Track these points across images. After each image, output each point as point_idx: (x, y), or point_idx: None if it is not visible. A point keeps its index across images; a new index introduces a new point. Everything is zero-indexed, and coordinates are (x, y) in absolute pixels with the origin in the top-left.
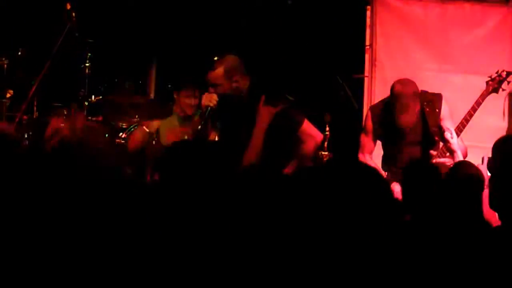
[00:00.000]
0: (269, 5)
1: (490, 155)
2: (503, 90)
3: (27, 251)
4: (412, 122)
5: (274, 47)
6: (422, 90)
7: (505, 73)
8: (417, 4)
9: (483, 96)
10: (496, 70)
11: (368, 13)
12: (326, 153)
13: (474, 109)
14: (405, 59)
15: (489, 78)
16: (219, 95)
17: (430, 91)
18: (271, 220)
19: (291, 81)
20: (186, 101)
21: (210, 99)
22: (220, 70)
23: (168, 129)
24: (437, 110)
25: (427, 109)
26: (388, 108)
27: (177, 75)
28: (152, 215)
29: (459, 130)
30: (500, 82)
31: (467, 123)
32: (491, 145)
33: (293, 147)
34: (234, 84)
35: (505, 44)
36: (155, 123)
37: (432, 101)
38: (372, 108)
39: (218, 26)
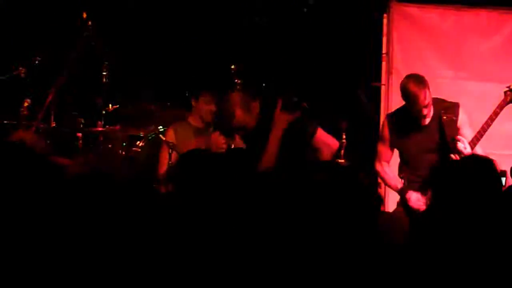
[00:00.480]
0: (287, 11)
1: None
2: None
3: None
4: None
5: (291, 54)
6: (439, 98)
7: None
8: (434, 11)
9: (501, 106)
10: None
11: (385, 21)
12: (343, 161)
13: (492, 119)
14: (421, 67)
15: (508, 88)
16: None
17: (447, 99)
18: (286, 225)
19: (307, 88)
20: (205, 107)
21: (218, 144)
22: (239, 112)
23: (182, 142)
24: (454, 118)
25: (445, 117)
26: (405, 115)
27: (194, 81)
28: (165, 225)
29: (476, 139)
30: None
31: (484, 132)
32: (508, 152)
33: (308, 155)
34: (254, 112)
35: None
36: (171, 133)
37: (449, 108)
38: (389, 116)
39: (234, 31)
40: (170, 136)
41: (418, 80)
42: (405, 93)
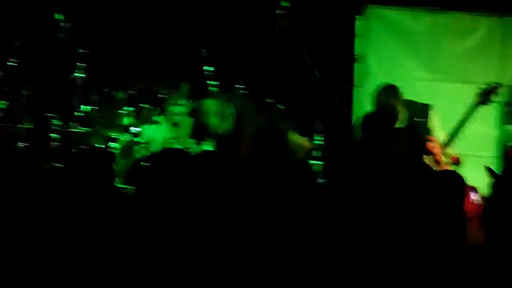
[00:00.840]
0: (260, 11)
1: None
2: (492, 101)
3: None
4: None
5: (263, 55)
6: (411, 100)
7: (493, 84)
8: (408, 13)
9: (471, 108)
10: (485, 82)
11: (358, 22)
12: (315, 162)
13: (464, 120)
14: (396, 69)
15: (479, 90)
16: None
17: (421, 100)
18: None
19: (280, 90)
20: (171, 108)
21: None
22: (214, 121)
23: (157, 139)
24: (425, 120)
25: (416, 119)
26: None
27: (166, 82)
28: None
29: (448, 140)
30: (488, 94)
31: (457, 133)
32: (484, 154)
33: (281, 155)
34: (229, 117)
35: (494, 54)
36: (146, 128)
37: (421, 110)
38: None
39: (206, 34)
40: (146, 131)
41: (390, 92)
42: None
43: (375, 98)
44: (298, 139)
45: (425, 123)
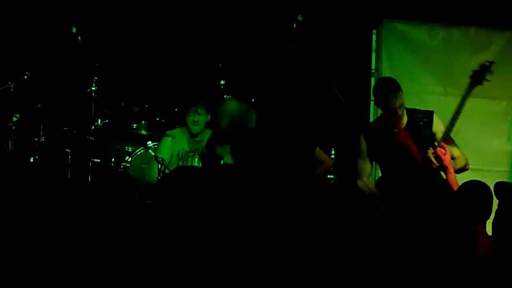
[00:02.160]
0: (278, 26)
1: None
2: (487, 80)
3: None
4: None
5: (281, 70)
6: (412, 109)
7: (486, 62)
8: (423, 28)
9: (467, 90)
10: (480, 62)
11: (374, 37)
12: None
13: (461, 105)
14: (410, 83)
15: (472, 73)
16: None
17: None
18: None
19: (297, 104)
20: (189, 118)
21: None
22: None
23: (177, 156)
24: (428, 122)
25: (420, 123)
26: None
27: (184, 98)
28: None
29: (446, 134)
30: (483, 73)
31: (454, 122)
32: (496, 168)
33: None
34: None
35: (509, 68)
36: (165, 142)
37: (424, 114)
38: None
39: (225, 45)
40: (165, 145)
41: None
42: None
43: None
44: (321, 155)
45: (430, 127)
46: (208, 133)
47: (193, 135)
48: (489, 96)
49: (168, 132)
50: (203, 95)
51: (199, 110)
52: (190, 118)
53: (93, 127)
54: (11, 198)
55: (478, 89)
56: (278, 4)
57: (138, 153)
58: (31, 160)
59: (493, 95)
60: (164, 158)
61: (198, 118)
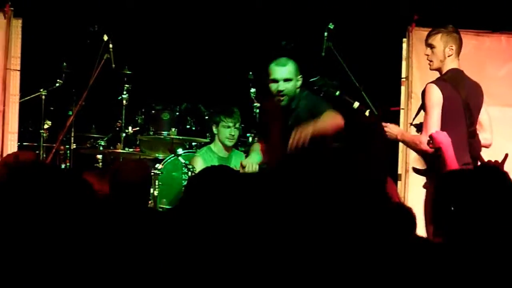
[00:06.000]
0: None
1: None
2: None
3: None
4: None
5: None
6: None
7: None
8: None
9: None
10: None
11: (404, 45)
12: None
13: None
14: None
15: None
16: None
17: None
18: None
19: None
20: (225, 131)
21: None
22: (291, 66)
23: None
24: None
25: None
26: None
27: (216, 107)
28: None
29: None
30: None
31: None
32: None
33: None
34: (298, 83)
35: None
36: (199, 161)
37: None
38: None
39: (255, 53)
40: (199, 164)
41: None
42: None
43: None
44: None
45: None
46: (235, 153)
47: (224, 159)
48: None
49: (198, 153)
50: (234, 108)
51: (237, 125)
52: (226, 132)
53: (124, 134)
54: (42, 204)
55: (508, 98)
56: (309, 13)
57: (169, 160)
58: (62, 167)
59: None
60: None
61: (236, 133)
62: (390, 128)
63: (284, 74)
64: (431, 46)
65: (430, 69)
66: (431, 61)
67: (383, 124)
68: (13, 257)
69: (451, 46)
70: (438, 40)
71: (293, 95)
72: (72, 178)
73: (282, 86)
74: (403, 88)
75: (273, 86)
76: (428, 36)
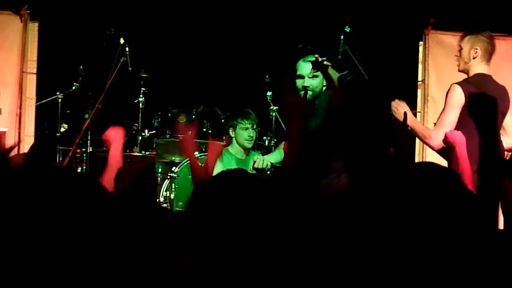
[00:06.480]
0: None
1: None
2: None
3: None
4: None
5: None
6: None
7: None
8: None
9: None
10: None
11: (421, 48)
12: None
13: None
14: None
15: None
16: None
17: None
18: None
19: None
20: (244, 133)
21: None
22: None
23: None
24: None
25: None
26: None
27: (232, 110)
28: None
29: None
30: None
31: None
32: None
33: None
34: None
35: None
36: (217, 163)
37: None
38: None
39: (270, 56)
40: (217, 167)
41: None
42: None
43: None
44: None
45: None
46: (253, 155)
47: (242, 161)
48: None
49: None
50: (249, 110)
51: (255, 126)
52: (245, 134)
53: (140, 138)
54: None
55: None
56: (325, 16)
57: (185, 163)
58: (79, 170)
59: None
60: None
61: (254, 134)
62: (401, 107)
63: (310, 70)
64: (459, 48)
65: (458, 71)
66: (458, 62)
67: (396, 100)
68: (16, 258)
69: (476, 48)
70: (465, 42)
71: (318, 92)
72: (82, 180)
73: (308, 82)
74: (419, 91)
75: (299, 82)
76: (460, 38)
